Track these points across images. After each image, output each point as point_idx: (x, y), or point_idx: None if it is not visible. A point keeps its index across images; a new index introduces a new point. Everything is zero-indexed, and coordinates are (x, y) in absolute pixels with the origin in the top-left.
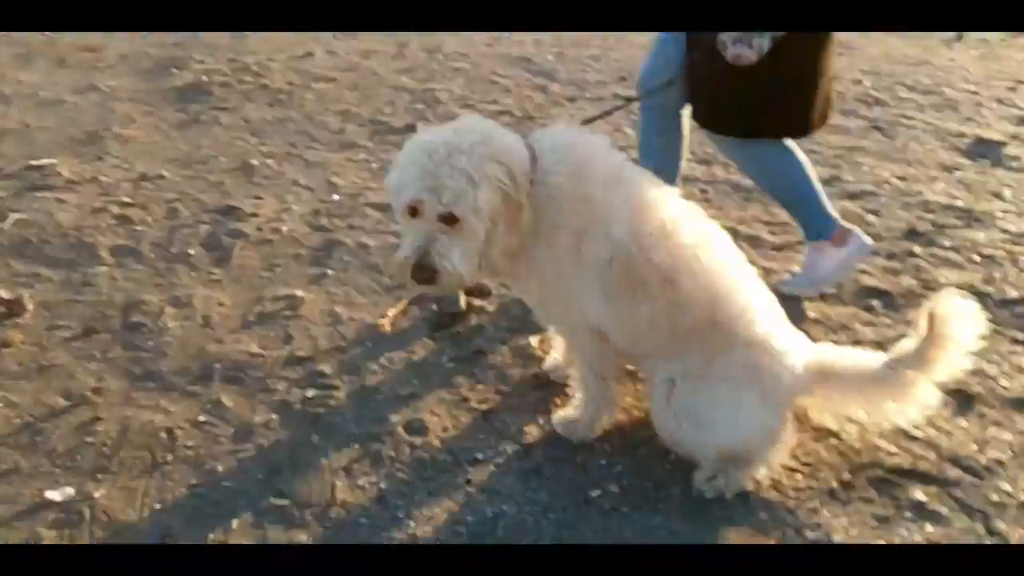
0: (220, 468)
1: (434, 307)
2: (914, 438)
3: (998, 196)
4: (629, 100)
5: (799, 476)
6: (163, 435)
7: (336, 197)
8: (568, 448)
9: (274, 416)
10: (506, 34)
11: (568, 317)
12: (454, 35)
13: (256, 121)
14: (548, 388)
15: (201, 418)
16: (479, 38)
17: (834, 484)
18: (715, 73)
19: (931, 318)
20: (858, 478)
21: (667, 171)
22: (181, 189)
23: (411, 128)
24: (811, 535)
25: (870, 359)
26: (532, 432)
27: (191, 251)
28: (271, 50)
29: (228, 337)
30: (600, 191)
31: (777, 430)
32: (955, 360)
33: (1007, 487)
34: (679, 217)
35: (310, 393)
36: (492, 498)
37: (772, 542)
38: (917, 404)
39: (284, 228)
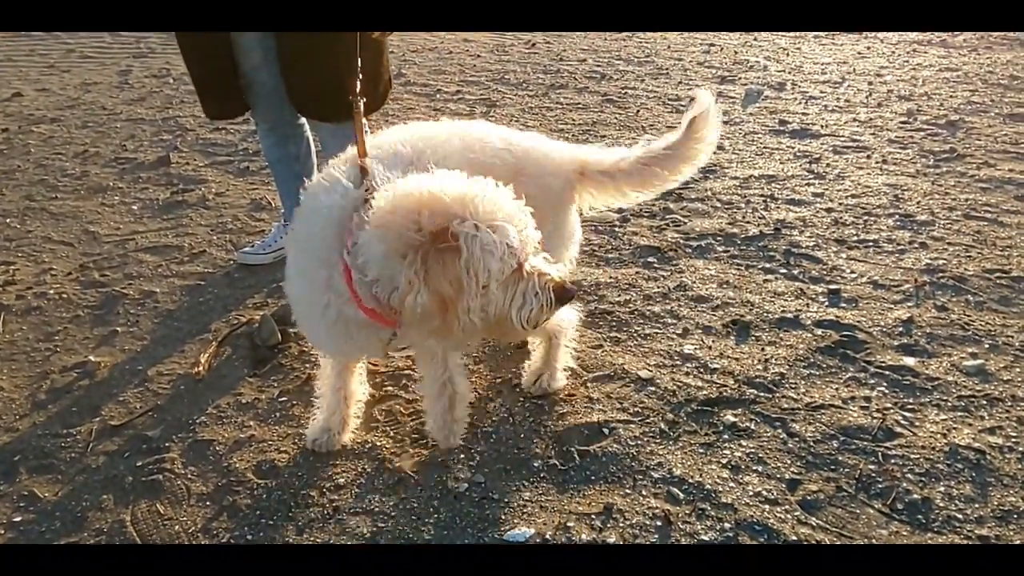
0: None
1: (253, 342)
2: (713, 369)
3: (721, 148)
4: None
5: (632, 426)
6: None
7: (101, 248)
8: (427, 452)
9: (106, 496)
10: None
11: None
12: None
13: None
14: (392, 399)
15: (17, 518)
16: None
17: (662, 425)
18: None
19: (693, 121)
20: (679, 415)
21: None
22: None
23: (164, 161)
24: (656, 475)
25: (625, 154)
26: (385, 446)
27: None
28: None
29: (20, 423)
30: None
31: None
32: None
33: (792, 394)
34: None
35: (139, 462)
36: (366, 519)
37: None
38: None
39: (50, 291)
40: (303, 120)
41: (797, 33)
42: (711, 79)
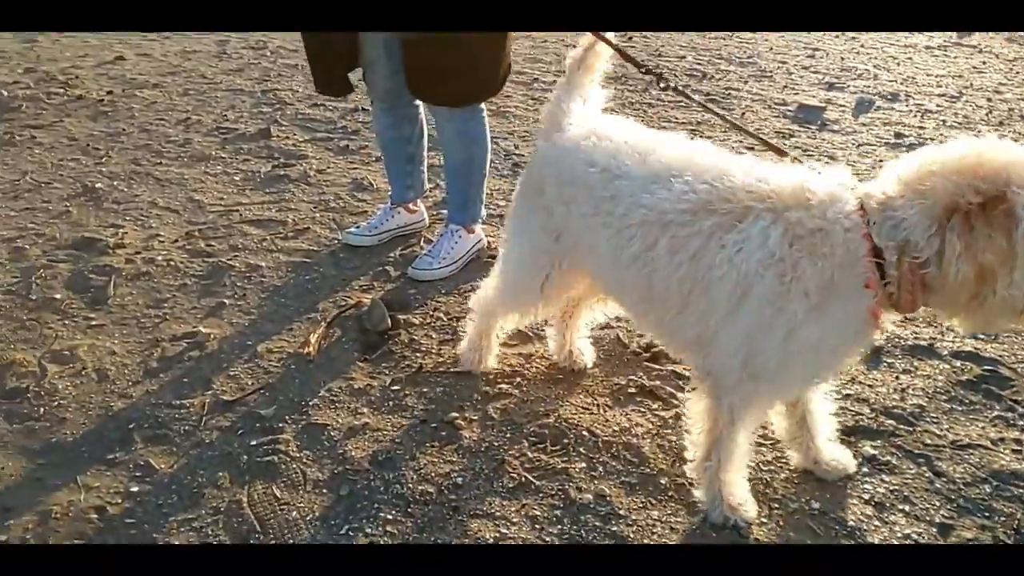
0: (176, 543)
1: (362, 326)
2: (846, 395)
3: (833, 159)
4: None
5: (764, 451)
6: (94, 516)
7: (206, 217)
8: (546, 458)
9: (222, 473)
10: None
11: None
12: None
13: (83, 138)
14: (507, 398)
15: (134, 488)
16: None
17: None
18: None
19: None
20: None
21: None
22: (19, 224)
23: (265, 134)
24: (793, 505)
25: None
26: (502, 446)
27: (56, 295)
28: (72, 57)
29: (134, 390)
30: None
31: None
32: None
33: (934, 429)
34: None
35: (253, 441)
36: (487, 523)
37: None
38: None
39: (158, 258)
40: (419, 102)
41: (907, 41)
42: (818, 84)
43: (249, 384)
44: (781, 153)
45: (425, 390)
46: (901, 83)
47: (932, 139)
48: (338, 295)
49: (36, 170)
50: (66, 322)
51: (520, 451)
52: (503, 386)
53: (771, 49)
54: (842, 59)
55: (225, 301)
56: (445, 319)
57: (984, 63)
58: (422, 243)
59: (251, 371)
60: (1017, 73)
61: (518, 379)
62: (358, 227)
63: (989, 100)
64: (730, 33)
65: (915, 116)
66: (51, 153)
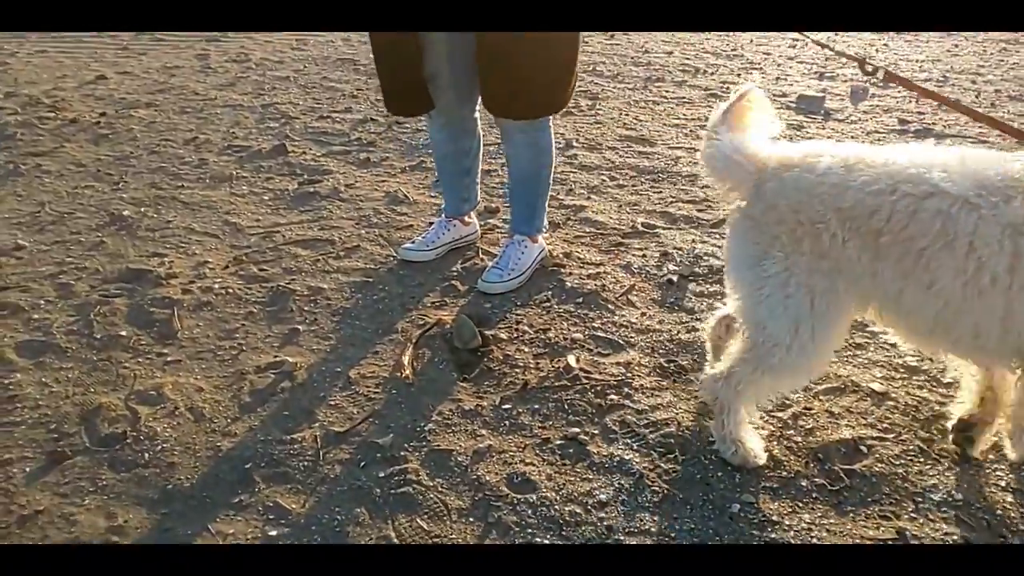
0: None
1: (452, 344)
2: (947, 383)
3: None
4: None
5: (888, 444)
6: None
7: (249, 240)
8: (681, 468)
9: (359, 509)
10: (315, 34)
11: None
12: (253, 39)
13: (90, 163)
14: (621, 409)
15: (272, 532)
16: (285, 39)
17: (918, 443)
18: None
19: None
20: (931, 432)
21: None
22: (56, 258)
23: (281, 150)
24: (936, 497)
25: None
26: (634, 460)
27: (122, 332)
28: (51, 78)
29: (235, 427)
30: None
31: None
32: None
33: None
34: None
35: (380, 472)
36: (645, 539)
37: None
38: None
39: (215, 286)
40: (477, 115)
41: (883, 31)
42: (809, 75)
43: (355, 413)
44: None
45: (536, 407)
46: (891, 68)
47: (934, 124)
48: (412, 313)
49: (53, 200)
50: (140, 360)
51: (653, 463)
52: (613, 397)
53: (752, 41)
54: (823, 49)
55: (299, 327)
56: (531, 331)
57: (957, 46)
58: (480, 254)
59: (352, 399)
60: (992, 55)
61: (625, 389)
62: (413, 242)
63: (973, 83)
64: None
65: (911, 102)
66: (63, 181)
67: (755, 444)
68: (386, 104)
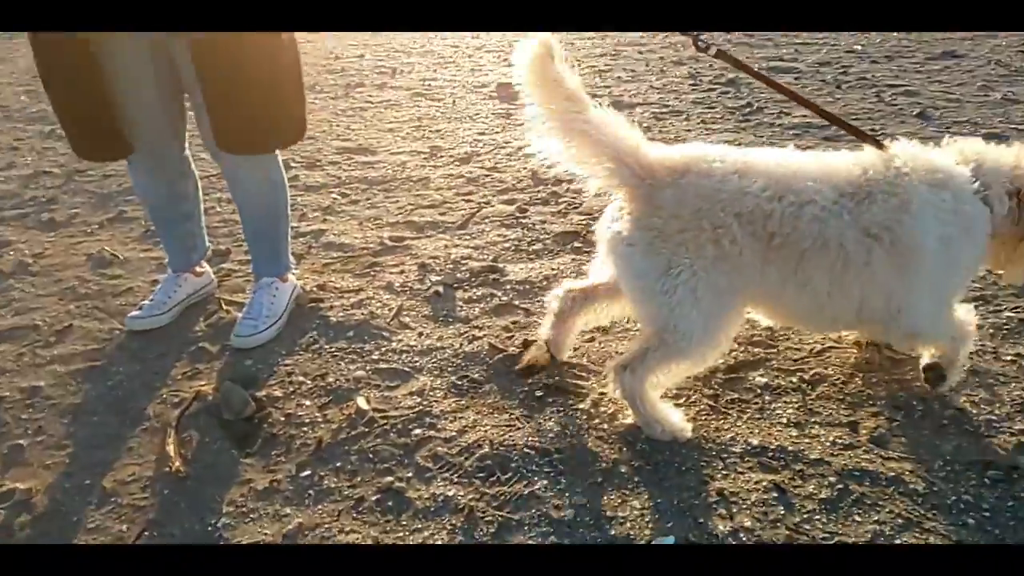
0: None
1: (222, 418)
2: None
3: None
4: None
5: (683, 409)
6: None
7: None
8: (507, 488)
9: None
10: None
11: None
12: None
13: None
14: (429, 442)
15: None
16: None
17: (708, 402)
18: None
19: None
20: (714, 387)
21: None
22: None
23: None
24: (738, 449)
25: None
26: (458, 493)
27: None
28: None
29: None
30: None
31: None
32: None
33: (792, 345)
34: None
35: None
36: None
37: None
38: None
39: None
40: (187, 152)
41: None
42: (500, 63)
43: (124, 530)
44: (878, 144)
45: (339, 464)
46: (565, 48)
47: (623, 97)
48: (162, 392)
49: None
50: None
51: (478, 491)
52: (417, 431)
53: (438, 35)
54: (482, 48)
55: (20, 442)
56: (308, 381)
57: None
58: (224, 306)
59: (115, 514)
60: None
61: (427, 419)
62: (140, 308)
63: (632, 57)
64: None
65: (592, 78)
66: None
67: (677, 418)
68: (73, 148)
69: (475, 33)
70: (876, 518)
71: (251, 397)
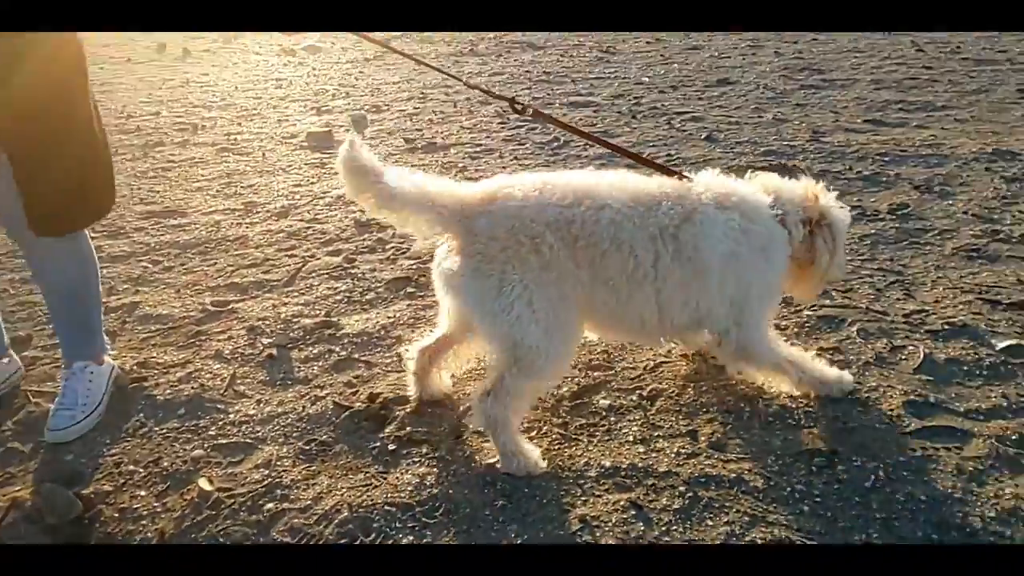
0: None
1: (46, 523)
2: None
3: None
4: None
5: (536, 440)
6: None
7: None
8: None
9: None
10: None
11: None
12: None
13: None
14: (284, 515)
15: None
16: None
17: (559, 431)
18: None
19: None
20: (563, 414)
21: None
22: None
23: None
24: (593, 474)
25: None
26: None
27: None
28: None
29: None
30: None
31: None
32: None
33: (628, 365)
34: None
35: None
36: None
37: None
38: None
39: None
40: None
41: (347, 57)
42: (307, 112)
43: None
44: (682, 176)
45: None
46: (371, 95)
47: (436, 137)
48: None
49: None
50: None
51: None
52: (269, 506)
53: (237, 88)
54: (307, 85)
55: None
56: (140, 469)
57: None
58: (31, 399)
59: None
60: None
61: (278, 492)
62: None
63: (420, 97)
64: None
65: (408, 121)
66: None
67: (533, 453)
68: None
69: (275, 82)
70: (726, 519)
71: (76, 496)
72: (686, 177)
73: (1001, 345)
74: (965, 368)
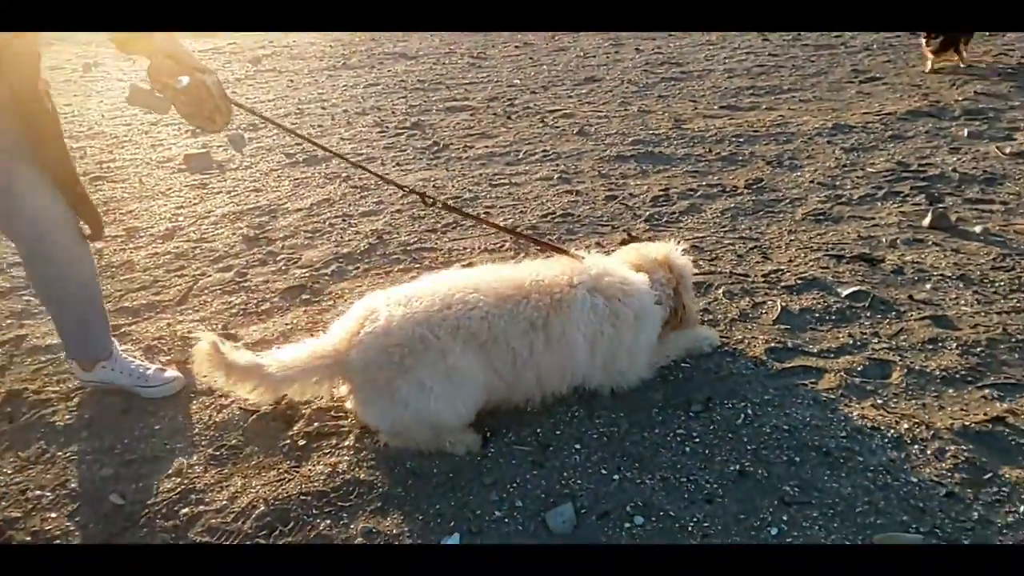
0: None
1: None
2: None
3: (263, 190)
4: None
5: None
6: None
7: None
8: (292, 538)
9: None
10: None
11: None
12: None
13: None
14: (200, 518)
15: None
16: None
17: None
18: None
19: None
20: None
21: None
22: None
23: None
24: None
25: None
26: None
27: None
28: None
29: None
30: None
31: None
32: None
33: None
34: None
35: None
36: None
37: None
38: None
39: None
40: None
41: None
42: (182, 135)
43: None
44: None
45: None
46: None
47: (315, 151)
48: None
49: None
50: None
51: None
52: (185, 511)
53: (109, 117)
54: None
55: None
56: (48, 492)
57: (292, 81)
58: None
59: None
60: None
61: (192, 496)
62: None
63: (323, 108)
64: None
65: (285, 138)
66: None
67: (466, 438)
68: None
69: (146, 110)
70: (618, 464)
71: None
72: (576, 256)
73: (845, 292)
74: (816, 315)
